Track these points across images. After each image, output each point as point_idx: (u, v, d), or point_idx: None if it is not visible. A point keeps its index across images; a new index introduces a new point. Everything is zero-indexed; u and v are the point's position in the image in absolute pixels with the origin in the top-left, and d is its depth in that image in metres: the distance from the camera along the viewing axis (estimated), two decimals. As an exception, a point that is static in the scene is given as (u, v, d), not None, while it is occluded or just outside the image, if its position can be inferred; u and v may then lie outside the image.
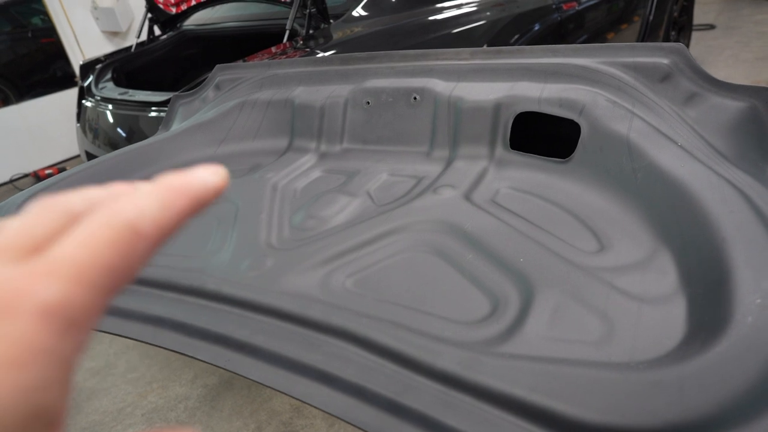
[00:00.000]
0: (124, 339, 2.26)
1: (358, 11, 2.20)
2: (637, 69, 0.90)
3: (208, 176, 0.22)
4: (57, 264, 0.17)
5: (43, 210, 0.19)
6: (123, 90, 2.26)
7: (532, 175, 0.90)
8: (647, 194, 0.75)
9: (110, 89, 2.34)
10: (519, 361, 0.53)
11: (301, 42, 1.99)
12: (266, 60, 1.52)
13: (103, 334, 2.33)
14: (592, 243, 0.73)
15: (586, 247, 0.72)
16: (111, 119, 2.21)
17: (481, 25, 2.21)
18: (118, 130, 2.21)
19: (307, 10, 2.05)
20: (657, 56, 0.89)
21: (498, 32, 2.25)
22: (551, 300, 0.61)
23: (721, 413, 0.43)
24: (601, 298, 0.60)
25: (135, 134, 2.10)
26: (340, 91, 1.16)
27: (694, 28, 4.47)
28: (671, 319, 0.56)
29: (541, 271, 0.66)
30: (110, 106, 2.22)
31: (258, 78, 1.32)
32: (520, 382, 0.50)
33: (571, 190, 0.84)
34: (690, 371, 0.46)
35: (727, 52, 4.56)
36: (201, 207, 0.21)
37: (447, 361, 0.54)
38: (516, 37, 2.30)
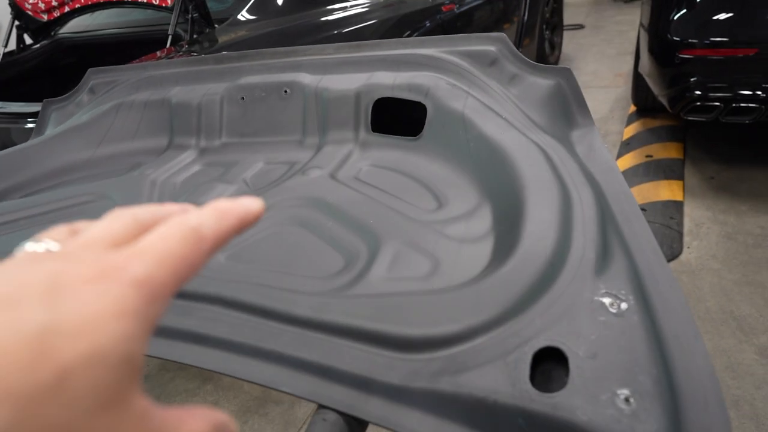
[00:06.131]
0: None
1: (244, 15, 2.22)
2: (471, 56, 1.04)
3: (251, 203, 0.28)
4: (145, 250, 0.22)
5: (119, 217, 0.25)
6: (-9, 102, 2.11)
7: (390, 153, 1.01)
8: (477, 159, 0.88)
9: (-24, 102, 2.17)
10: (361, 299, 0.63)
11: (186, 46, 1.99)
12: (141, 62, 1.51)
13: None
14: (432, 203, 0.85)
15: (427, 207, 0.83)
16: (-21, 134, 2.06)
17: (370, 24, 2.31)
18: (-11, 146, 2.06)
19: (189, 15, 2.05)
20: (486, 44, 1.04)
21: (385, 32, 2.37)
22: (392, 249, 0.72)
23: (503, 312, 0.55)
24: (432, 243, 0.72)
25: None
26: (216, 88, 1.21)
27: (565, 27, 4.95)
28: (482, 252, 0.69)
29: (387, 228, 0.76)
30: (-24, 120, 2.06)
31: (134, 80, 1.33)
32: (360, 315, 0.60)
33: (421, 162, 0.96)
34: (484, 286, 0.58)
35: (594, 48, 5.10)
36: (245, 226, 0.28)
37: (301, 308, 0.63)
38: (406, 35, 2.43)
